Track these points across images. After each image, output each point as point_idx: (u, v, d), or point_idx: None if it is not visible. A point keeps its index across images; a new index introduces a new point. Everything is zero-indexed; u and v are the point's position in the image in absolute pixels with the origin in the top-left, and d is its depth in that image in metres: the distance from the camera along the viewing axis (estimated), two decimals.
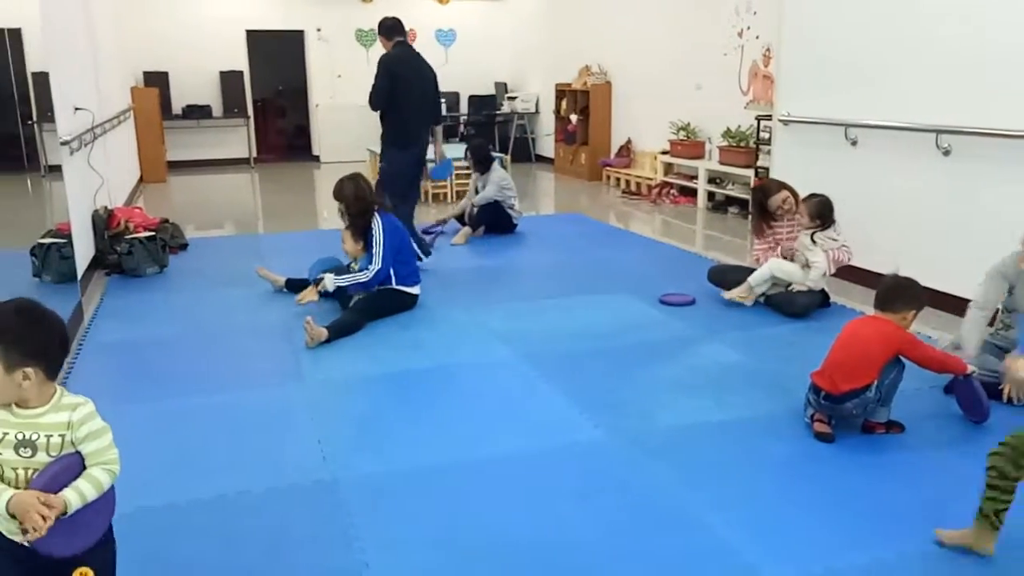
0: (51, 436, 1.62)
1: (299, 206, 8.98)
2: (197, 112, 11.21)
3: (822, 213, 4.32)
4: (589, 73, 10.22)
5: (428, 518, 2.42)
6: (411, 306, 4.50)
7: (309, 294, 4.38)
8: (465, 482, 2.64)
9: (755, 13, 7.35)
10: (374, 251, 4.33)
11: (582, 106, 10.26)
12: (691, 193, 8.28)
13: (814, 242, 4.33)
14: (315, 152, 12.26)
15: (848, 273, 4.79)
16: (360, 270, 4.38)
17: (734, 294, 4.47)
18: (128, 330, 4.22)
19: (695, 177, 8.20)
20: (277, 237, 6.94)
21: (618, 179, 9.54)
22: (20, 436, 1.62)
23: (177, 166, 10.89)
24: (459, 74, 12.32)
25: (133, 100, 9.60)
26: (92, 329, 4.23)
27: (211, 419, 3.13)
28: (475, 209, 6.57)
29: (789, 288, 4.40)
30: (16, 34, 5.06)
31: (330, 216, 7.72)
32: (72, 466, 1.64)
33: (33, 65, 4.86)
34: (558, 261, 5.88)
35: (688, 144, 8.30)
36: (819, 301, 4.40)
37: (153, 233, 5.47)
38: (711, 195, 8.02)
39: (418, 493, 2.56)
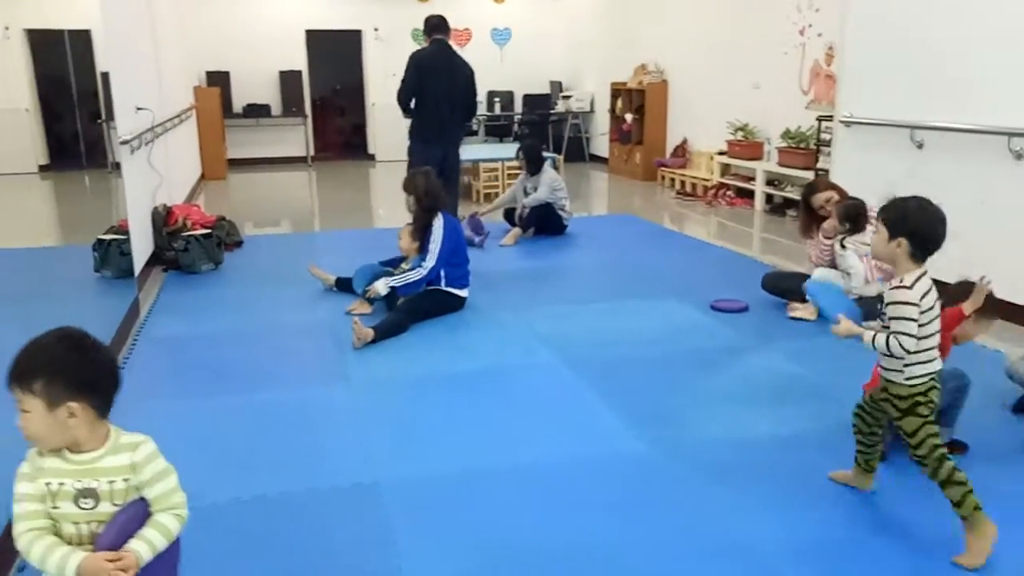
0: (113, 482, 1.48)
1: (355, 204, 9.06)
2: (257, 111, 11.45)
3: (850, 216, 4.13)
4: (645, 72, 10.08)
5: (465, 523, 2.40)
6: (458, 308, 4.49)
7: (360, 307, 4.42)
8: (503, 488, 2.61)
9: (817, 10, 7.14)
10: (431, 248, 4.34)
11: (637, 105, 10.13)
12: (748, 195, 8.09)
13: (843, 247, 4.17)
14: (371, 151, 12.40)
15: None
16: (412, 268, 4.39)
17: (800, 313, 4.28)
18: (180, 326, 4.31)
19: (753, 179, 8.01)
20: (332, 235, 7.02)
21: (673, 180, 9.39)
22: (79, 485, 1.47)
23: (237, 164, 11.16)
24: (514, 73, 12.34)
25: (196, 99, 9.85)
26: (147, 324, 4.34)
27: (256, 417, 3.16)
28: (525, 210, 6.54)
29: None
30: (85, 35, 5.22)
31: (386, 214, 7.79)
32: (139, 515, 1.51)
33: (102, 65, 5.00)
34: (608, 263, 5.80)
35: (746, 145, 8.11)
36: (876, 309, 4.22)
37: (209, 231, 5.59)
38: (769, 197, 7.82)
39: (456, 497, 2.55)
